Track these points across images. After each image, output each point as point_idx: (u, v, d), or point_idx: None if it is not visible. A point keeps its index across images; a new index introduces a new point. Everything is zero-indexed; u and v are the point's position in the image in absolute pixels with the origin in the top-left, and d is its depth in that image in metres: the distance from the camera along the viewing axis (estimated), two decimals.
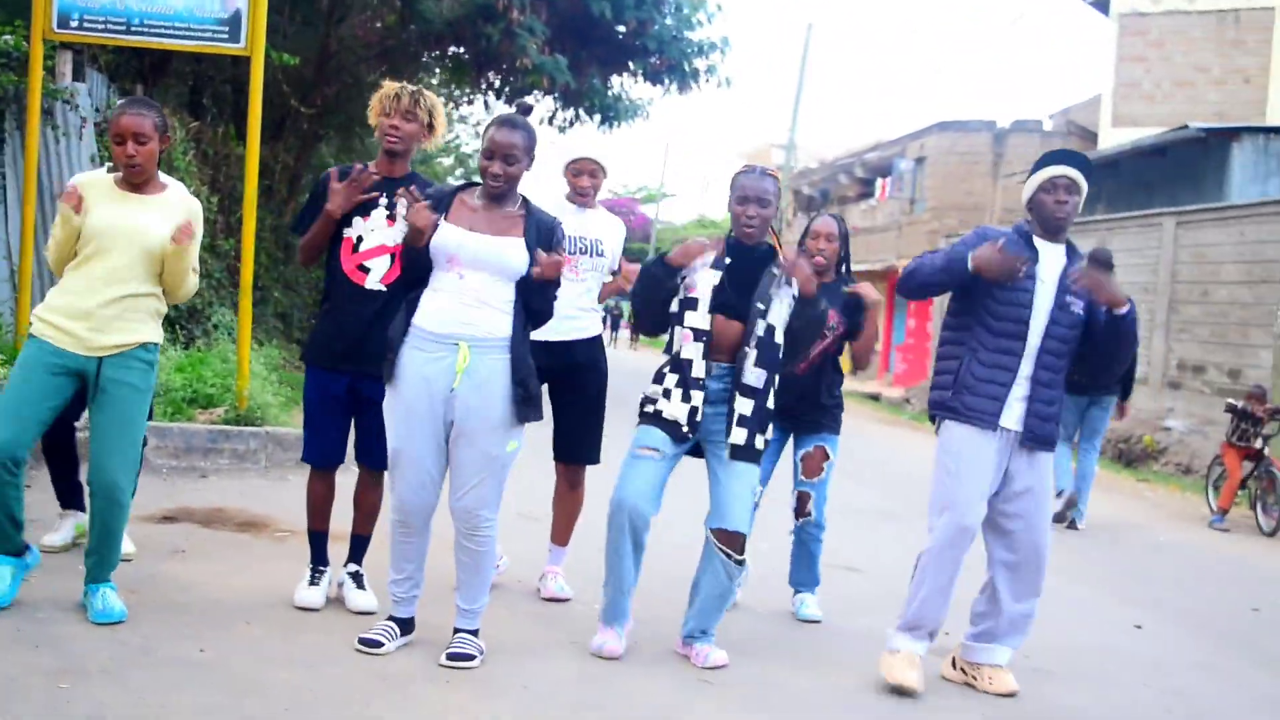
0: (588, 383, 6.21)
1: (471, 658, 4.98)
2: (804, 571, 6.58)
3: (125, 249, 4.98)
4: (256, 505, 7.68)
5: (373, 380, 5.32)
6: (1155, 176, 23.34)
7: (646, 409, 5.32)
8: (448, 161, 47.89)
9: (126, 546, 5.92)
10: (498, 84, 20.92)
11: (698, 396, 5.21)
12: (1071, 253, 5.49)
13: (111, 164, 5.18)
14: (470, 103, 22.51)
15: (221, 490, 8.14)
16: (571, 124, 21.12)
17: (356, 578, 5.72)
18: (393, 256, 5.51)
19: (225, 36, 9.82)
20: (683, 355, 5.25)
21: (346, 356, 5.47)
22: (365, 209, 5.52)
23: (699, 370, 5.22)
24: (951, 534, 5.33)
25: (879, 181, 35.85)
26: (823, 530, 6.53)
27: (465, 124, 46.96)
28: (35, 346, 5.01)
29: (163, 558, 6.12)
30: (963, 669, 5.58)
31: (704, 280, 5.27)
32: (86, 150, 11.80)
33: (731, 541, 5.30)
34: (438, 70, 23.22)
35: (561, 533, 6.41)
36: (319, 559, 5.70)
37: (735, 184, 5.38)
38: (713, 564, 5.33)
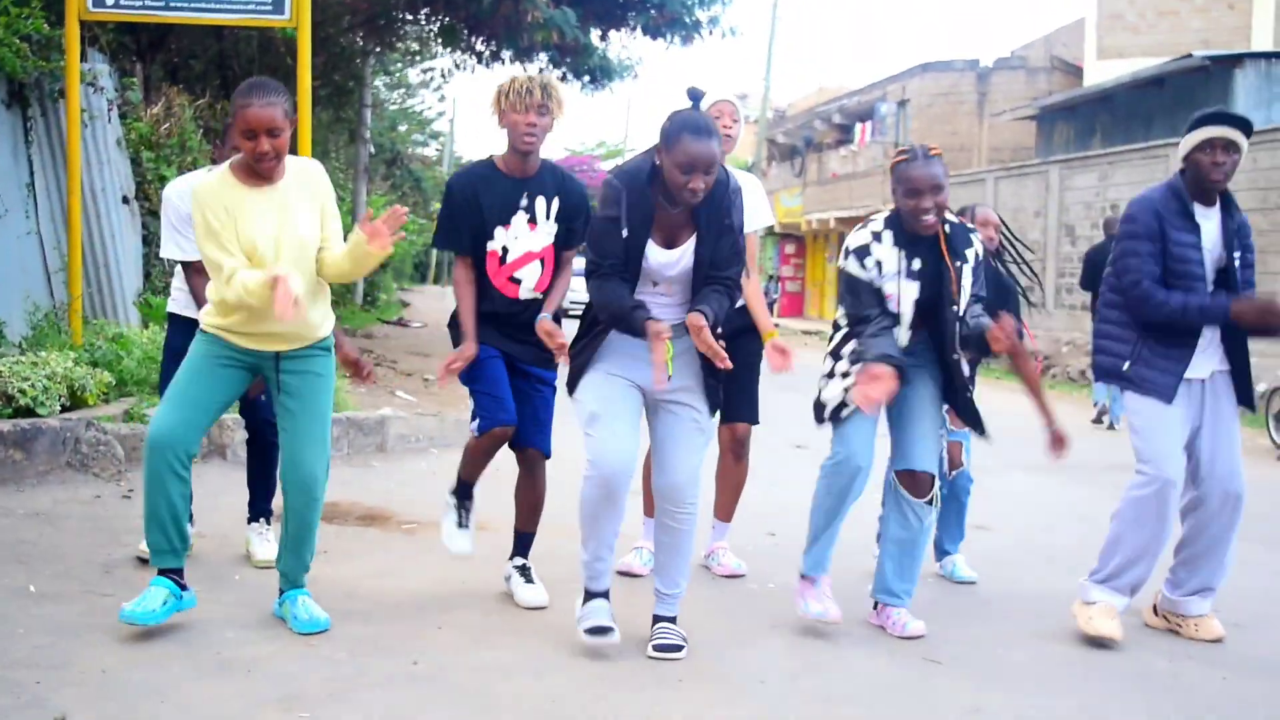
0: (746, 344, 5.87)
1: (679, 648, 4.71)
2: (954, 528, 6.33)
3: (288, 253, 4.57)
4: (364, 496, 7.38)
5: (544, 365, 5.25)
6: (1153, 107, 23.17)
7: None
8: (403, 128, 47.45)
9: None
10: (493, 47, 20.42)
11: None
12: (1227, 207, 5.25)
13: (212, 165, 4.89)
14: (460, 68, 21.95)
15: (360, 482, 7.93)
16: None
17: (524, 571, 5.41)
18: (542, 262, 5.24)
19: (269, 9, 9.43)
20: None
21: (522, 344, 5.20)
22: (505, 217, 5.19)
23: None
24: (1153, 488, 5.13)
25: (858, 126, 35.56)
26: (972, 483, 6.29)
27: (428, 89, 46.53)
28: (207, 341, 4.65)
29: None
30: (1165, 616, 5.46)
31: (906, 291, 5.00)
32: (113, 134, 11.36)
33: (916, 484, 5.11)
34: (428, 36, 22.76)
35: (726, 507, 6.14)
36: (465, 494, 5.49)
37: (900, 175, 4.95)
38: (899, 509, 5.14)
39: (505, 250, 5.16)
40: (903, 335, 5.00)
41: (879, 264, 4.98)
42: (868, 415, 4.99)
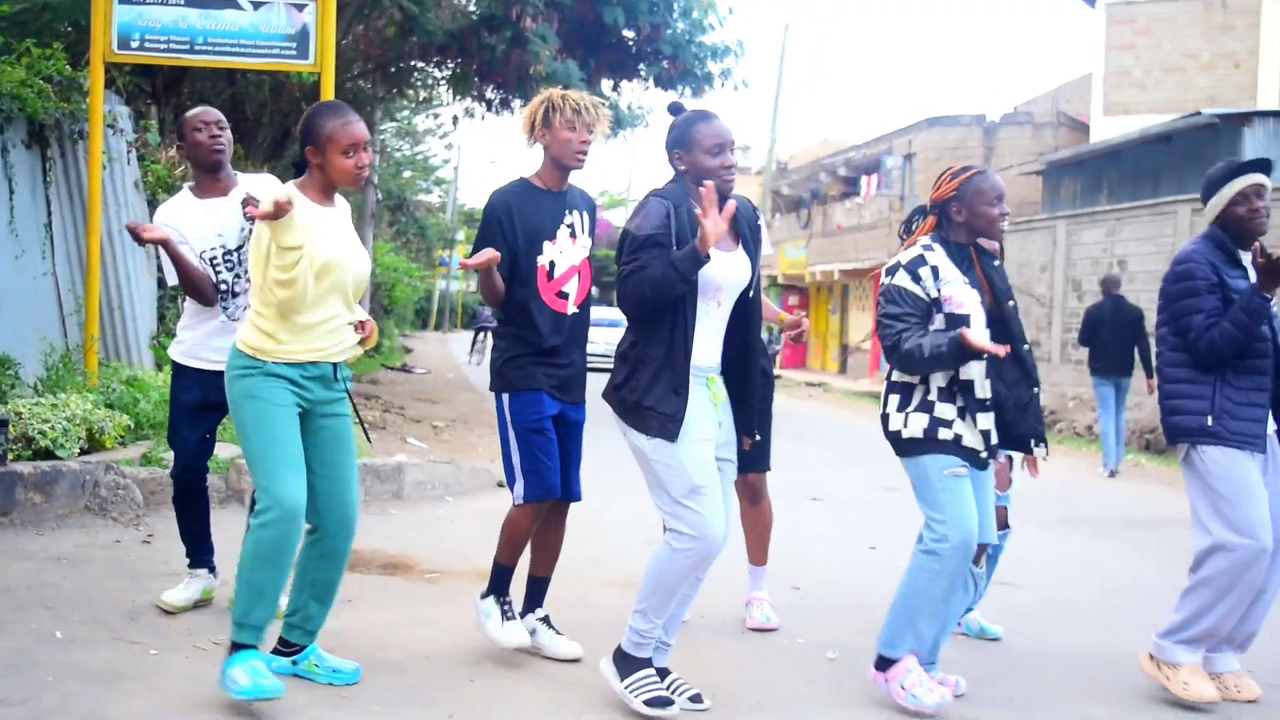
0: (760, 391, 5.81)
1: (700, 699, 4.67)
2: (981, 586, 6.26)
3: (349, 270, 4.55)
4: (385, 544, 7.30)
5: (578, 404, 5.23)
6: (1161, 164, 23.21)
7: (939, 435, 4.83)
8: (407, 174, 47.61)
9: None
10: (500, 95, 20.55)
11: (986, 420, 4.83)
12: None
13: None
14: (471, 115, 22.03)
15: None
16: None
17: (549, 622, 5.32)
18: (579, 275, 5.23)
19: (294, 53, 9.46)
20: (962, 376, 4.81)
21: (564, 388, 5.13)
22: (552, 232, 5.15)
23: (983, 391, 4.81)
24: (1249, 557, 5.02)
25: (863, 179, 35.63)
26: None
27: (434, 136, 46.75)
28: (277, 385, 4.41)
29: (334, 610, 5.68)
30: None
31: (968, 295, 4.88)
32: (131, 176, 11.38)
33: (978, 554, 5.08)
34: (438, 82, 22.86)
35: (760, 552, 6.12)
36: (503, 589, 5.21)
37: (976, 187, 4.92)
38: (965, 581, 5.01)
39: (553, 265, 5.14)
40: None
41: (935, 270, 4.83)
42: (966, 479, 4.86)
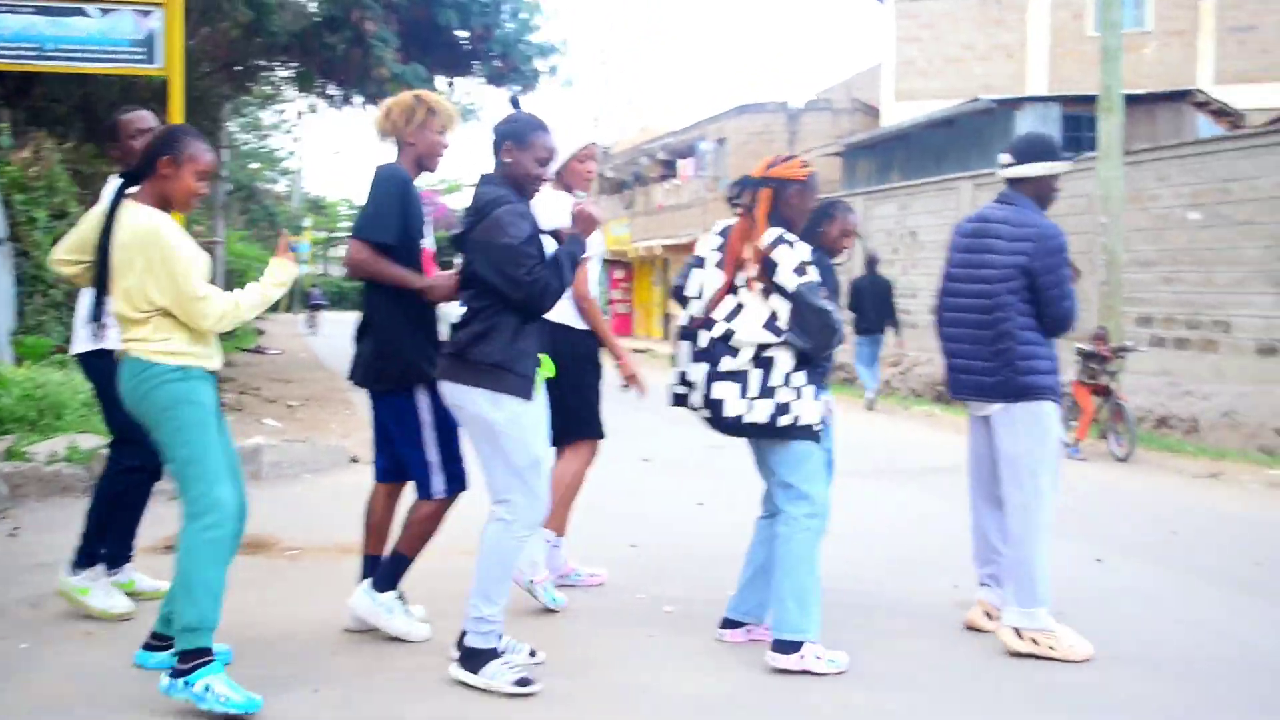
0: (590, 367, 5.69)
1: (534, 652, 4.61)
2: None
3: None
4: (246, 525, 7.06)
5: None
6: (945, 145, 23.77)
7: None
8: (254, 166, 46.53)
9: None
10: (342, 92, 20.17)
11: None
12: None
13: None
14: (314, 110, 21.55)
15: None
16: None
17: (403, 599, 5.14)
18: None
19: (142, 57, 9.04)
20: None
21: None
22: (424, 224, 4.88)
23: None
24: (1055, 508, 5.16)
25: (680, 163, 35.79)
26: None
27: (280, 130, 45.62)
28: (203, 385, 4.19)
29: None
30: (987, 613, 5.37)
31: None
32: None
33: None
34: (282, 80, 22.30)
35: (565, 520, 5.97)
36: (396, 580, 4.96)
37: (816, 184, 4.87)
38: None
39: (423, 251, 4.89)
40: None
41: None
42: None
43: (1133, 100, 19.46)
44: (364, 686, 4.35)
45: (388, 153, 4.97)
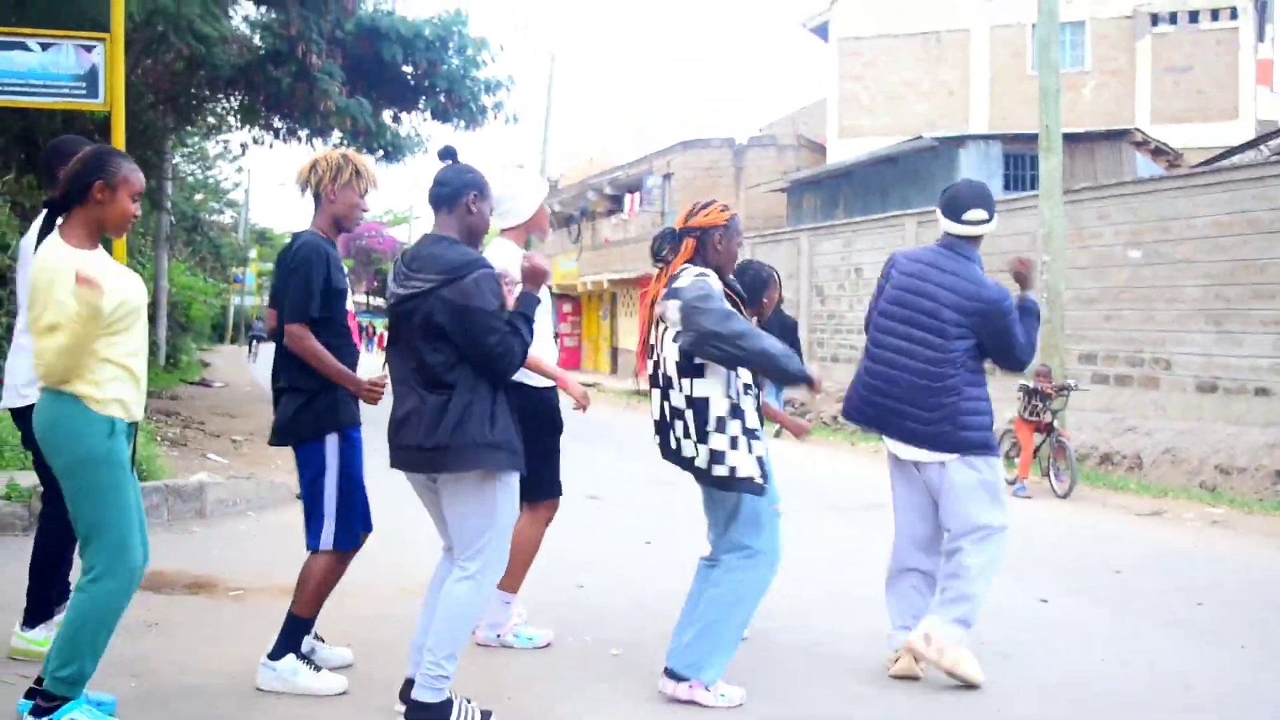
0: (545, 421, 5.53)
1: (489, 715, 4.43)
2: None
3: (141, 310, 4.20)
4: (189, 564, 6.98)
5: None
6: (888, 182, 24.02)
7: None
8: (199, 197, 46.15)
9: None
10: (287, 125, 20.08)
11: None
12: None
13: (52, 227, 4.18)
14: (259, 142, 21.41)
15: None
16: None
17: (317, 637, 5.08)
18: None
19: (84, 92, 8.97)
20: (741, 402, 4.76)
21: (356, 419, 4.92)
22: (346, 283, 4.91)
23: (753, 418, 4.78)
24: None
25: (627, 197, 35.92)
26: None
27: (225, 160, 45.33)
28: (111, 429, 4.02)
29: (139, 633, 5.41)
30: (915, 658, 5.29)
31: None
32: None
33: None
34: (227, 111, 22.16)
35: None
36: (300, 639, 4.85)
37: (738, 225, 4.95)
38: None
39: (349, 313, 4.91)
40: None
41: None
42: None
43: (1073, 139, 19.78)
44: None
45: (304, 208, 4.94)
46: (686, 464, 4.70)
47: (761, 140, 32.19)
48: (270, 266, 70.63)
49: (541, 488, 5.38)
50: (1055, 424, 12.44)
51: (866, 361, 5.38)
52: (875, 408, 5.29)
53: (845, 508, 10.49)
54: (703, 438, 4.62)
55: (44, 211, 4.14)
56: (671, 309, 4.64)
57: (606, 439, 16.03)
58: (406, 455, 4.31)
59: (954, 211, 5.31)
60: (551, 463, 5.48)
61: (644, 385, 25.72)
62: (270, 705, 4.54)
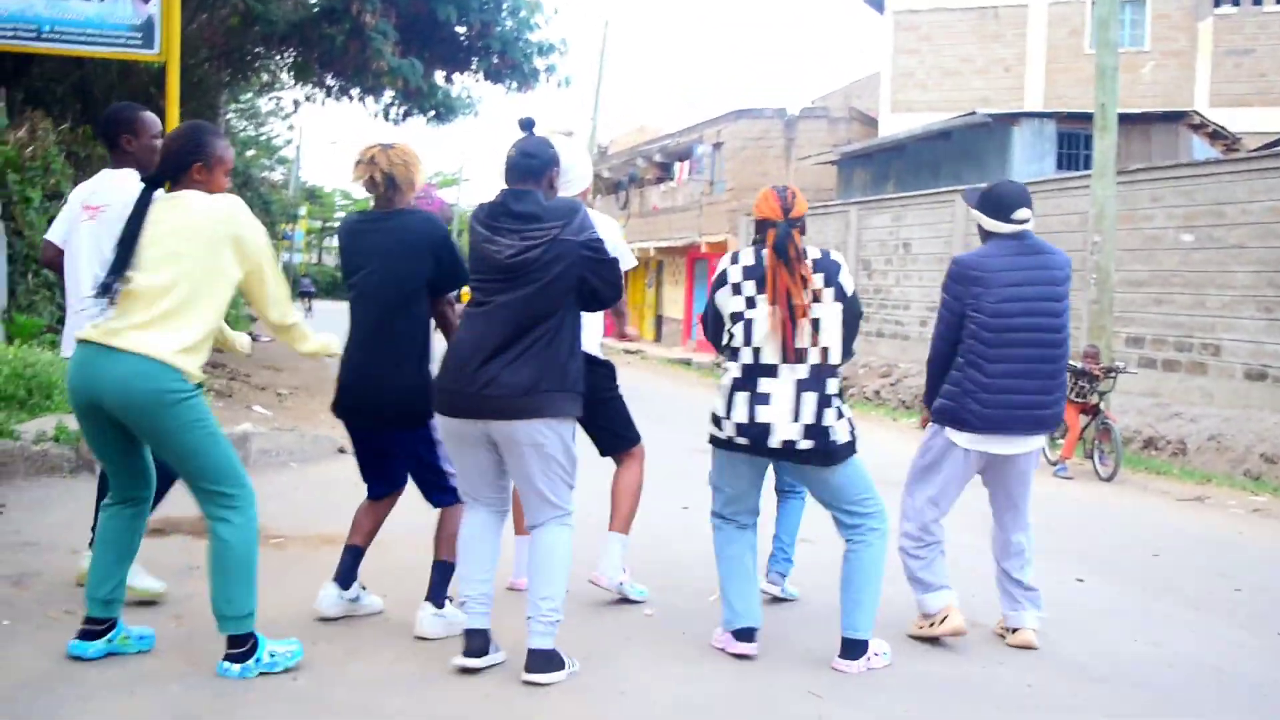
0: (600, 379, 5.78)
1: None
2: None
3: None
4: None
5: None
6: (940, 157, 23.83)
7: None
8: (250, 153, 46.44)
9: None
10: (340, 83, 20.14)
11: None
12: None
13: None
14: (311, 100, 21.52)
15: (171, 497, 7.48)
16: (405, 118, 20.46)
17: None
18: None
19: (139, 42, 9.04)
20: None
21: None
22: None
23: None
24: None
25: (677, 165, 35.84)
26: None
27: (277, 118, 45.52)
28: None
29: (182, 576, 5.53)
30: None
31: None
32: None
33: None
34: (280, 68, 22.28)
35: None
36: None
37: None
38: None
39: None
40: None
41: None
42: None
43: (1129, 119, 19.55)
44: (343, 679, 4.35)
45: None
46: (836, 449, 4.79)
47: (814, 111, 32.01)
48: (319, 224, 71.22)
49: (624, 438, 5.71)
50: (1101, 406, 12.35)
51: (981, 367, 5.26)
52: (1003, 409, 5.25)
53: (881, 481, 10.46)
54: (839, 414, 4.81)
55: (141, 186, 4.27)
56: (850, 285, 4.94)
57: (645, 406, 16.05)
58: (498, 403, 4.35)
59: (1003, 212, 5.36)
60: (622, 413, 5.76)
61: (688, 354, 25.78)
62: (308, 647, 4.61)
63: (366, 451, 5.16)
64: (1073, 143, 22.13)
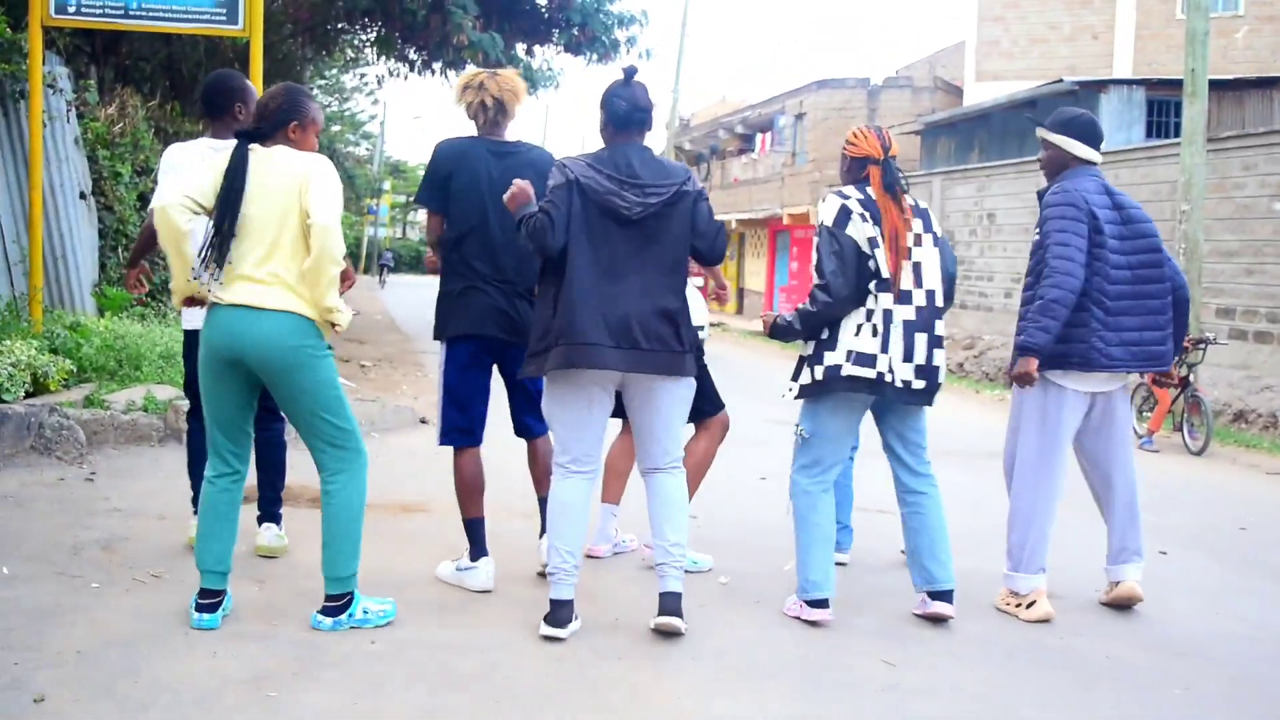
0: None
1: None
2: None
3: None
4: (312, 479, 7.10)
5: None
6: (1026, 127, 23.42)
7: None
8: (335, 128, 46.91)
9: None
10: (422, 57, 20.28)
11: None
12: None
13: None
14: (394, 75, 21.71)
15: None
16: None
17: None
18: None
19: (224, 18, 9.22)
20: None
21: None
22: None
23: None
24: None
25: (759, 136, 35.67)
26: None
27: (361, 93, 45.91)
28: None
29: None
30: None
31: None
32: (71, 133, 11.08)
33: None
34: (364, 43, 22.49)
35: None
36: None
37: None
38: None
39: None
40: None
41: None
42: None
43: (1220, 85, 19.10)
44: (420, 642, 4.42)
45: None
46: (934, 383, 4.97)
47: (897, 81, 31.68)
48: (404, 199, 71.69)
49: (706, 406, 5.78)
50: (1190, 378, 12.11)
51: (1105, 305, 5.14)
52: (1125, 347, 5.16)
53: (964, 454, 10.38)
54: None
55: (234, 141, 4.37)
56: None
57: (725, 378, 16.05)
58: (647, 358, 4.46)
59: (1095, 139, 5.37)
60: (706, 381, 5.77)
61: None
62: (402, 617, 4.69)
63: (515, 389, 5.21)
64: (1162, 110, 21.66)
